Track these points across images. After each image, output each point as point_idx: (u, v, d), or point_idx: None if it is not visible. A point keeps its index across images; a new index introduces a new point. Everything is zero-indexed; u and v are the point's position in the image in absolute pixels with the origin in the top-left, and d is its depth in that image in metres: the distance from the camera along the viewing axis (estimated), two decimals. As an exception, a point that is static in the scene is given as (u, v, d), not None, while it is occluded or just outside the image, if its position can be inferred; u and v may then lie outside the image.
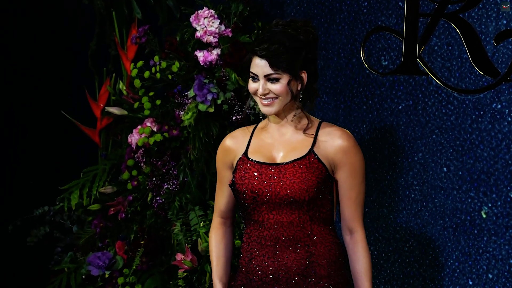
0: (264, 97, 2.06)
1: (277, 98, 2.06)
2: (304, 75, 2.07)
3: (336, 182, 2.10)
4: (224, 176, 2.18)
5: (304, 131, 2.10)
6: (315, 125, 2.12)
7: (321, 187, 2.06)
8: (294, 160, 2.07)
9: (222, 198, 2.21)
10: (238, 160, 2.13)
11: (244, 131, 2.19)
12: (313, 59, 2.08)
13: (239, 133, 2.19)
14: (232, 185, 2.13)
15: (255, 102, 2.13)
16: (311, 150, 2.08)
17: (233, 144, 2.17)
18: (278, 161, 2.09)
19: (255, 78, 2.07)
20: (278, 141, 2.12)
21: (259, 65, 2.05)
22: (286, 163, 2.07)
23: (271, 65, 2.03)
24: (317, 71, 2.10)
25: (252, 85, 2.09)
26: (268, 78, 2.05)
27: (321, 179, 2.06)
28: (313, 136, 2.09)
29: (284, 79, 2.04)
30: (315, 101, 2.11)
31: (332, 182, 2.09)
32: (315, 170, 2.06)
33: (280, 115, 2.12)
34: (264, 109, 2.08)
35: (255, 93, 2.08)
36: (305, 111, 2.11)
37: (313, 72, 2.08)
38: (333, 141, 2.08)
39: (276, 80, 2.05)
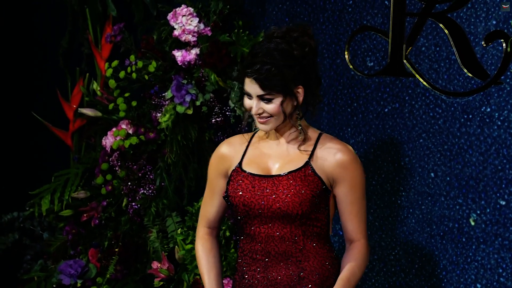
0: (259, 116, 2.04)
1: (271, 116, 2.04)
2: (301, 90, 2.04)
3: (336, 197, 2.07)
4: (216, 185, 2.13)
5: (303, 143, 2.07)
6: (314, 136, 2.09)
7: (315, 201, 2.02)
8: (289, 172, 2.04)
9: (211, 207, 2.15)
10: (232, 171, 2.09)
11: (241, 139, 2.14)
12: (311, 70, 2.04)
13: (236, 141, 2.15)
14: (226, 197, 2.09)
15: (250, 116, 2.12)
16: (307, 163, 2.04)
17: (230, 152, 2.12)
18: (273, 172, 2.06)
19: (249, 95, 2.05)
20: (276, 152, 2.09)
21: (251, 86, 2.03)
22: (281, 175, 2.04)
23: (263, 88, 2.01)
24: (318, 76, 2.07)
25: (246, 102, 2.07)
26: (261, 98, 2.03)
27: (316, 193, 2.02)
28: (311, 148, 2.06)
29: (277, 99, 2.02)
30: (316, 107, 2.07)
31: (329, 196, 2.06)
32: (310, 183, 2.02)
33: (279, 130, 2.09)
34: (260, 126, 2.07)
35: (250, 110, 2.06)
36: (305, 122, 2.09)
37: (313, 79, 2.05)
38: (332, 155, 2.05)
39: (269, 100, 2.02)
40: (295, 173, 2.02)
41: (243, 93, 2.06)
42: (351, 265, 2.03)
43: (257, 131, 2.14)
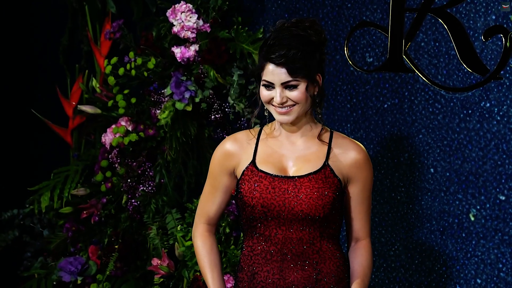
0: (281, 106, 1.97)
1: (294, 105, 1.97)
2: (319, 78, 1.99)
3: (346, 195, 2.03)
4: (219, 182, 2.06)
5: (316, 140, 2.01)
6: (327, 135, 2.03)
7: (336, 203, 1.98)
8: (309, 174, 1.98)
9: (212, 204, 2.09)
10: (244, 169, 2.02)
11: (248, 135, 2.07)
12: (325, 59, 2.02)
13: (243, 137, 2.07)
14: (238, 196, 2.02)
15: (265, 110, 2.03)
16: (325, 163, 1.99)
17: (236, 149, 2.05)
18: (291, 173, 2.00)
19: (270, 86, 1.97)
20: (289, 150, 2.03)
21: (276, 73, 1.94)
22: (301, 177, 1.98)
23: (291, 73, 1.94)
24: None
25: (265, 93, 1.98)
26: (286, 85, 1.96)
27: (336, 195, 1.99)
28: (326, 147, 2.01)
29: (302, 85, 1.96)
30: (323, 102, 2.03)
31: (344, 197, 2.03)
32: (331, 185, 1.98)
33: (294, 122, 2.01)
34: (280, 118, 1.98)
35: (270, 101, 1.98)
36: (314, 116, 2.03)
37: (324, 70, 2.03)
38: (348, 155, 2.01)
39: (294, 87, 1.95)
40: (316, 174, 1.97)
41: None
42: (363, 266, 2.02)
43: (262, 127, 2.08)
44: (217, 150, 2.07)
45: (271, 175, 1.98)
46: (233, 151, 2.04)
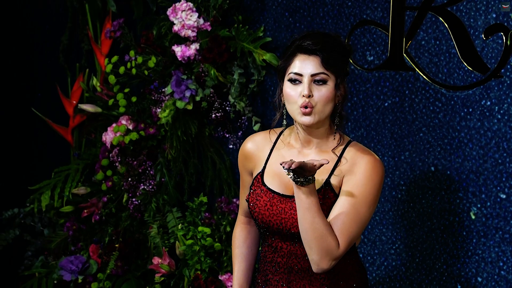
0: (306, 102, 1.81)
1: (317, 105, 1.81)
2: (343, 89, 1.86)
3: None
4: (245, 180, 2.05)
5: (329, 154, 1.88)
6: (340, 148, 1.90)
7: None
8: None
9: (244, 199, 2.08)
10: (254, 178, 1.98)
11: (266, 138, 1.99)
12: (348, 74, 1.90)
13: (261, 139, 1.99)
14: (248, 202, 1.99)
15: (283, 114, 1.90)
16: (327, 181, 1.88)
17: (254, 151, 1.99)
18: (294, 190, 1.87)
19: (296, 81, 1.83)
20: None
21: (307, 62, 1.80)
22: None
23: (324, 62, 1.79)
24: None
25: (290, 90, 1.83)
26: (315, 79, 1.82)
27: None
28: (334, 162, 1.89)
29: (331, 82, 1.82)
30: (344, 123, 1.91)
31: None
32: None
33: (312, 131, 1.89)
34: (303, 119, 1.83)
35: (295, 99, 1.82)
36: (338, 130, 1.92)
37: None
38: (351, 166, 1.86)
39: (324, 82, 1.82)
40: None
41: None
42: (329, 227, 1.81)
43: (282, 132, 2.00)
44: (240, 150, 2.04)
45: (272, 191, 1.93)
46: (251, 153, 2.00)
